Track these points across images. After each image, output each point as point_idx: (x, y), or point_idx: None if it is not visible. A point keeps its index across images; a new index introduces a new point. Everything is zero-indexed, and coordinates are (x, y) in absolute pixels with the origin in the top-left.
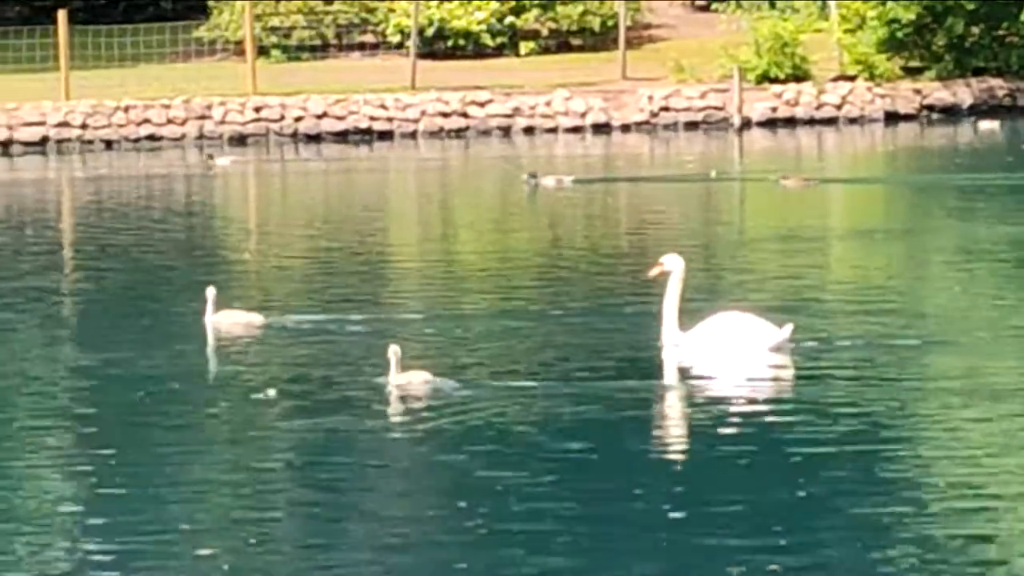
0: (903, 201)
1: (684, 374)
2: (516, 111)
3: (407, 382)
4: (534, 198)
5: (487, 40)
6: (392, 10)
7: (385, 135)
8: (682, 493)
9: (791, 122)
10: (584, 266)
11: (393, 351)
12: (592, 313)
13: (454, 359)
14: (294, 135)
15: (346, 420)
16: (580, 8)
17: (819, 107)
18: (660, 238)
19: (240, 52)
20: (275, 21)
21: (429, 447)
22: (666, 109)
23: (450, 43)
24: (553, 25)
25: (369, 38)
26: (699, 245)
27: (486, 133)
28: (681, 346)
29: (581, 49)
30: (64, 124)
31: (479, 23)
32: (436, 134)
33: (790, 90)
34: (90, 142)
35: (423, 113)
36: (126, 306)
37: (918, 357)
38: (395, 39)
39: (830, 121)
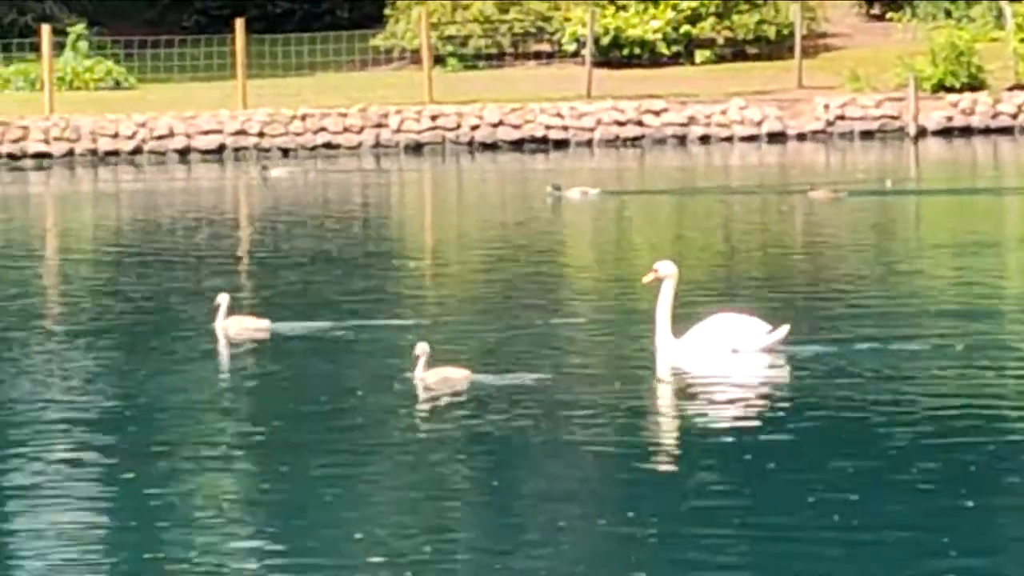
0: None
1: (682, 377)
2: (691, 120)
3: (437, 379)
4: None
5: (663, 49)
6: (568, 19)
7: (561, 144)
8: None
9: (967, 131)
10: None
11: (421, 348)
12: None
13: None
14: (470, 143)
15: (502, 420)
16: (756, 17)
17: (995, 116)
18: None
19: (416, 61)
20: (451, 30)
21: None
22: (842, 118)
23: (625, 52)
24: (729, 34)
25: (545, 47)
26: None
27: (661, 142)
28: (674, 350)
29: (757, 58)
30: (241, 132)
31: (655, 32)
32: (611, 143)
33: (966, 99)
34: (267, 150)
35: (599, 122)
36: (292, 313)
37: None
38: (571, 48)
39: (1006, 130)
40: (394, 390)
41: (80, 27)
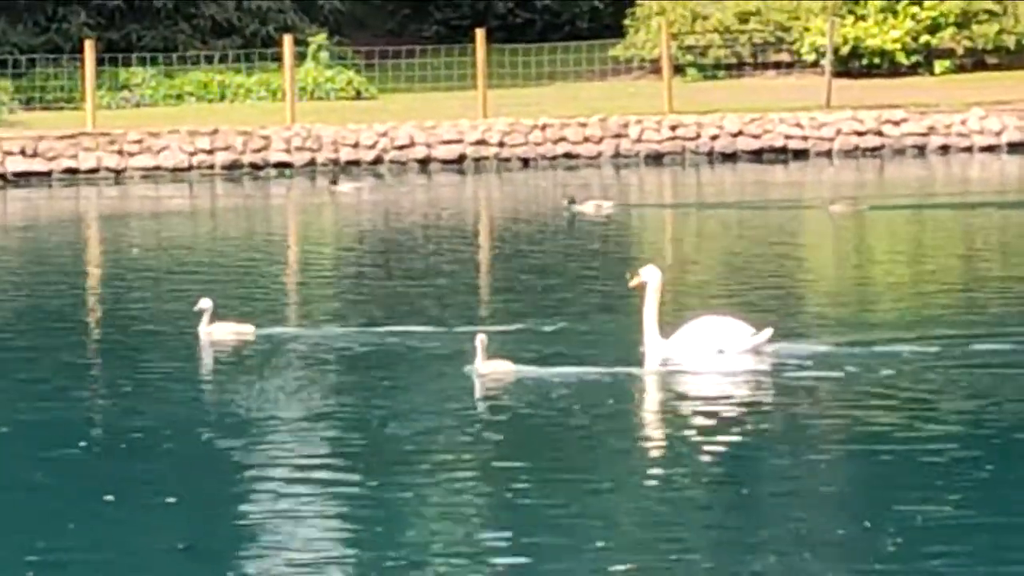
0: None
1: (671, 376)
2: (931, 130)
3: (492, 370)
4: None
5: (902, 59)
6: (807, 29)
7: (800, 154)
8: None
9: None
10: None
11: (480, 340)
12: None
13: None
14: (709, 153)
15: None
16: (996, 27)
17: None
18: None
19: (656, 70)
20: (691, 40)
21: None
22: None
23: (865, 61)
24: (968, 43)
25: (784, 57)
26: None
27: (901, 152)
28: (663, 352)
29: (997, 67)
30: (481, 142)
31: (894, 42)
32: (851, 153)
33: None
34: (507, 160)
35: (838, 132)
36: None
37: None
38: (810, 58)
39: None
40: (610, 403)
41: (321, 37)
